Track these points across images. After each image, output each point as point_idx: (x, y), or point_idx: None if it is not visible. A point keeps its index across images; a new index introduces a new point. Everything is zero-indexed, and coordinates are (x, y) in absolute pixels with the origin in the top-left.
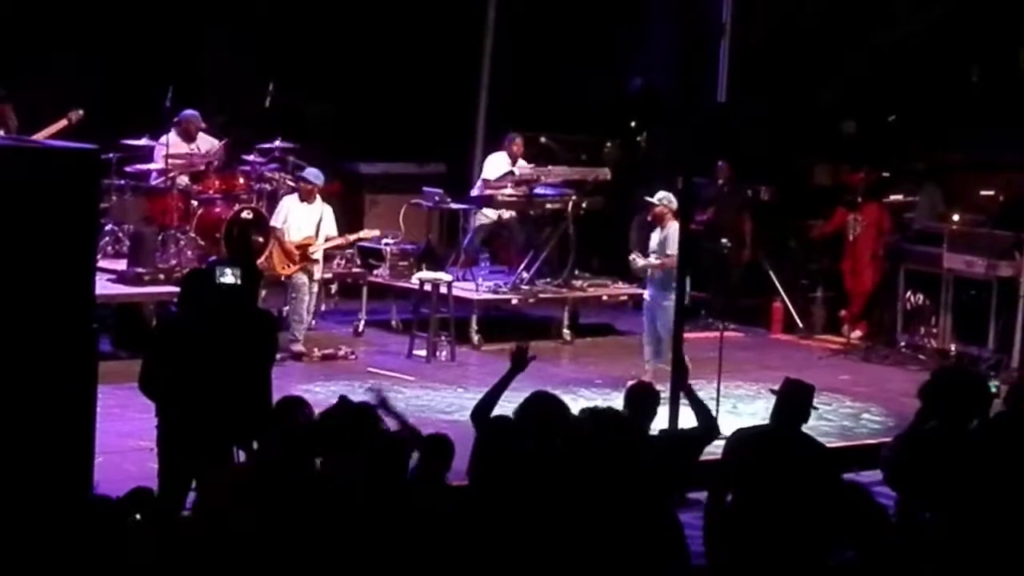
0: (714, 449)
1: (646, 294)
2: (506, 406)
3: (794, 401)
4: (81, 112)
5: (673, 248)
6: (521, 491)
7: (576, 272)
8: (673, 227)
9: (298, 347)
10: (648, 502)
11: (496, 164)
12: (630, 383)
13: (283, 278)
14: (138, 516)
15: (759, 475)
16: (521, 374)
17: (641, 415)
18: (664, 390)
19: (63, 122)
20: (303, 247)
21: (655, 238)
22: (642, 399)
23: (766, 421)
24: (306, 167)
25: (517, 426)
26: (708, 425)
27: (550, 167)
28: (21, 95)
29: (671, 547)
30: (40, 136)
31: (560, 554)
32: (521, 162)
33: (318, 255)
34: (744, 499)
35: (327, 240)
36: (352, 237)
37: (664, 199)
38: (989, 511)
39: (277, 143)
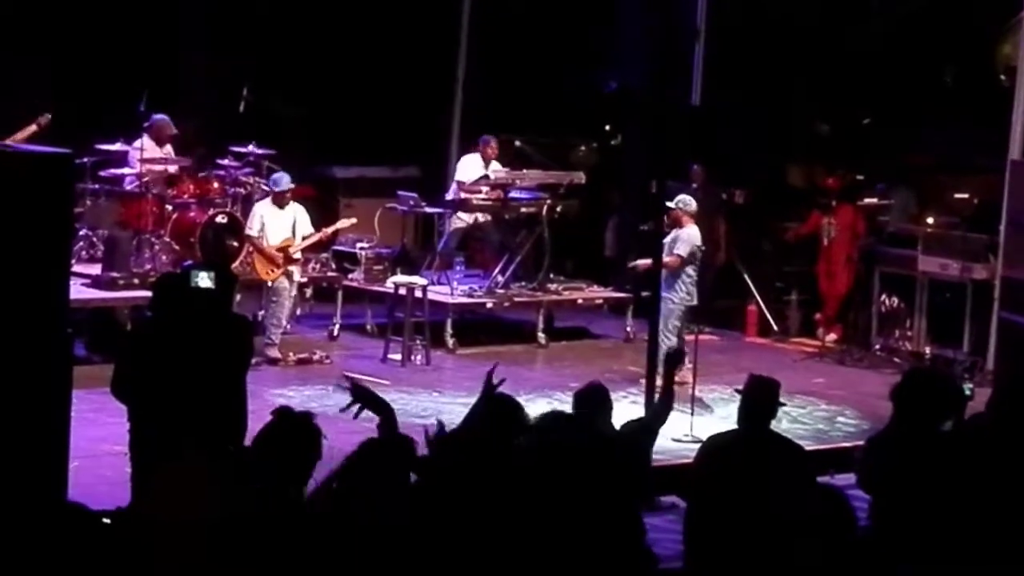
0: (687, 452)
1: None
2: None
3: (760, 399)
4: (49, 116)
5: (681, 249)
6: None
7: (551, 275)
8: (685, 230)
9: (274, 352)
10: (610, 506)
11: (470, 166)
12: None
13: (269, 283)
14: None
15: (732, 480)
16: (497, 378)
17: (594, 414)
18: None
19: (32, 127)
20: (283, 249)
21: (667, 239)
22: (591, 398)
23: None
24: (276, 172)
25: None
26: (663, 410)
27: (525, 171)
28: None
29: (634, 553)
30: (9, 141)
31: (519, 560)
32: (496, 165)
33: (299, 254)
34: (719, 505)
35: (305, 238)
36: (330, 229)
37: (680, 202)
38: (962, 514)
39: (251, 147)
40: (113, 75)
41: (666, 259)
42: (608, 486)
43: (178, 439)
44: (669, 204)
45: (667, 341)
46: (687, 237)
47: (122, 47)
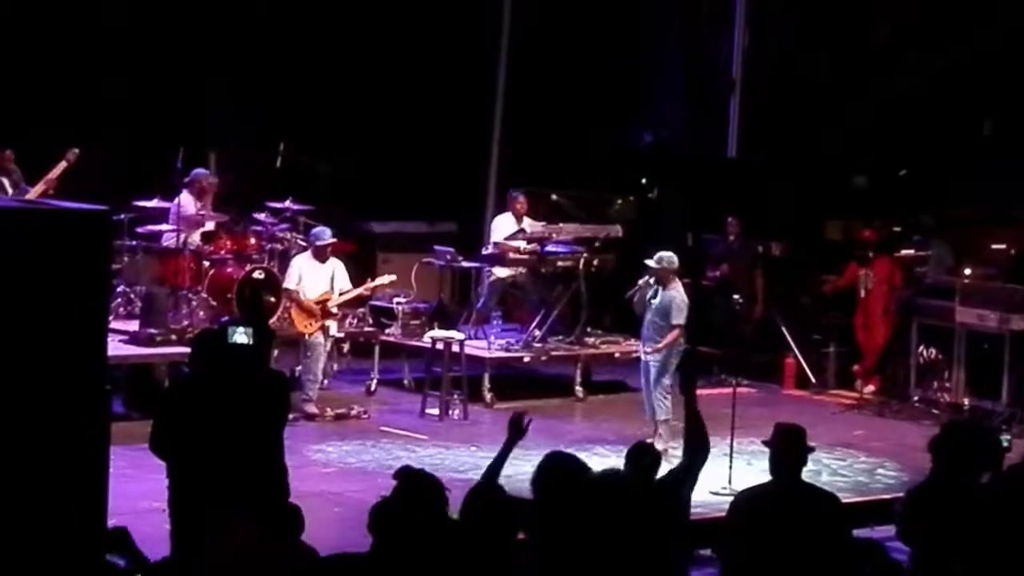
0: (725, 505)
1: (642, 353)
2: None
3: (786, 448)
4: (77, 151)
5: (679, 318)
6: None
7: (588, 329)
8: (671, 291)
9: (311, 407)
10: (654, 561)
11: (503, 226)
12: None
13: (306, 337)
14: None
15: (766, 535)
16: (536, 431)
17: (641, 473)
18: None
19: (63, 164)
20: (322, 303)
21: (656, 300)
22: (641, 458)
23: None
24: (315, 227)
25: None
26: (697, 446)
27: (561, 224)
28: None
29: None
30: (44, 181)
31: None
32: (528, 221)
33: (336, 309)
34: (753, 561)
35: (342, 293)
36: (371, 285)
37: (663, 260)
38: (1003, 565)
39: (288, 203)
40: (149, 133)
41: (670, 337)
42: (652, 541)
43: (217, 495)
44: (650, 263)
45: (664, 402)
46: (680, 302)
47: (157, 104)
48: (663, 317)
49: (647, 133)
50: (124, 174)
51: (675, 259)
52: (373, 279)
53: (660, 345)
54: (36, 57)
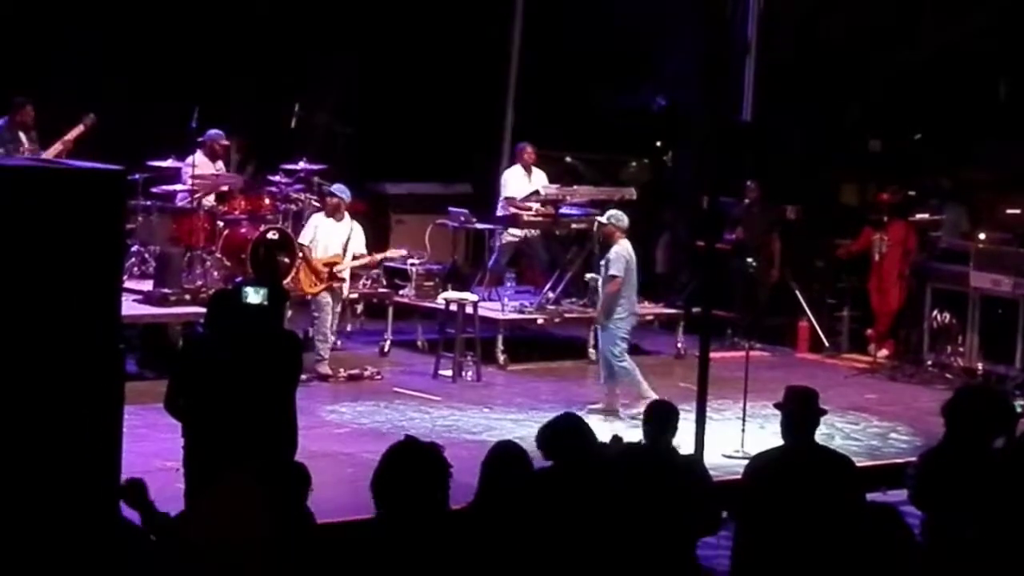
0: (738, 468)
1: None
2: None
3: (799, 410)
4: (93, 116)
5: (615, 269)
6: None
7: None
8: (616, 248)
9: (324, 367)
10: (672, 530)
11: (514, 179)
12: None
13: (309, 297)
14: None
15: (780, 498)
16: (549, 393)
17: (660, 431)
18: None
19: (80, 128)
20: (330, 265)
21: (602, 261)
22: (662, 416)
23: None
24: (332, 185)
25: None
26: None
27: (575, 187)
28: (43, 112)
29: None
30: (62, 141)
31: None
32: (538, 173)
33: (345, 274)
34: (768, 523)
35: (354, 258)
36: (378, 256)
37: (612, 217)
38: (1016, 530)
39: (302, 164)
40: (164, 93)
41: (608, 288)
42: (662, 499)
43: (230, 454)
44: (601, 219)
45: (621, 361)
46: (616, 255)
47: (173, 66)
48: (606, 272)
49: (661, 96)
50: (139, 134)
51: (623, 217)
52: (386, 245)
53: (607, 290)
54: (53, 18)
